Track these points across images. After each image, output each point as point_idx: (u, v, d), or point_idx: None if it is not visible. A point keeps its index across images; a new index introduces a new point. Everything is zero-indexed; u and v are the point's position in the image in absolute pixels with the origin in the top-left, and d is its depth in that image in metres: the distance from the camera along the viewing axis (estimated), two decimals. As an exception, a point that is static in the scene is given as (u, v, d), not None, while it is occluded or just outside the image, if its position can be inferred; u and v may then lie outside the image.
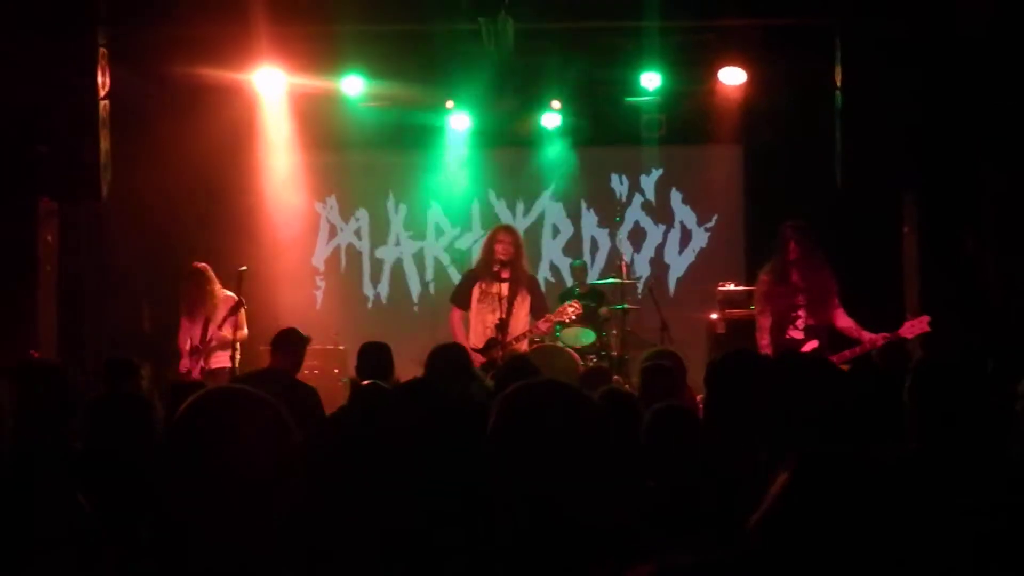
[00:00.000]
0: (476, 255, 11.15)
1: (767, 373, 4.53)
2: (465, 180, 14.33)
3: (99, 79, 9.74)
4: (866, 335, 8.69)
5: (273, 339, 8.47)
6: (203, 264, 10.39)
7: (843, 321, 8.91)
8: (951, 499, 3.67)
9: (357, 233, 14.68)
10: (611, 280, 12.48)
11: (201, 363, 10.12)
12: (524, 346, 9.82)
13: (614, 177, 14.48)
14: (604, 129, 13.58)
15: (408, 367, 7.71)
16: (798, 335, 8.92)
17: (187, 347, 10.26)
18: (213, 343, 10.15)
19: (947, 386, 4.15)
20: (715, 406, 4.53)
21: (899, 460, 3.85)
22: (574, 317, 10.29)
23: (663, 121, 13.17)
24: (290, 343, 8.33)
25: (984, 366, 4.87)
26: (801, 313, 8.92)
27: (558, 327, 10.94)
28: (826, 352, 8.58)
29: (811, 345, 8.81)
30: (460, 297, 10.14)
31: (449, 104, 13.39)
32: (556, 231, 14.59)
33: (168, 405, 5.95)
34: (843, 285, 9.28)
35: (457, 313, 10.09)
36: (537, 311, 9.88)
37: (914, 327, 8.60)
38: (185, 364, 10.22)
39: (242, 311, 10.22)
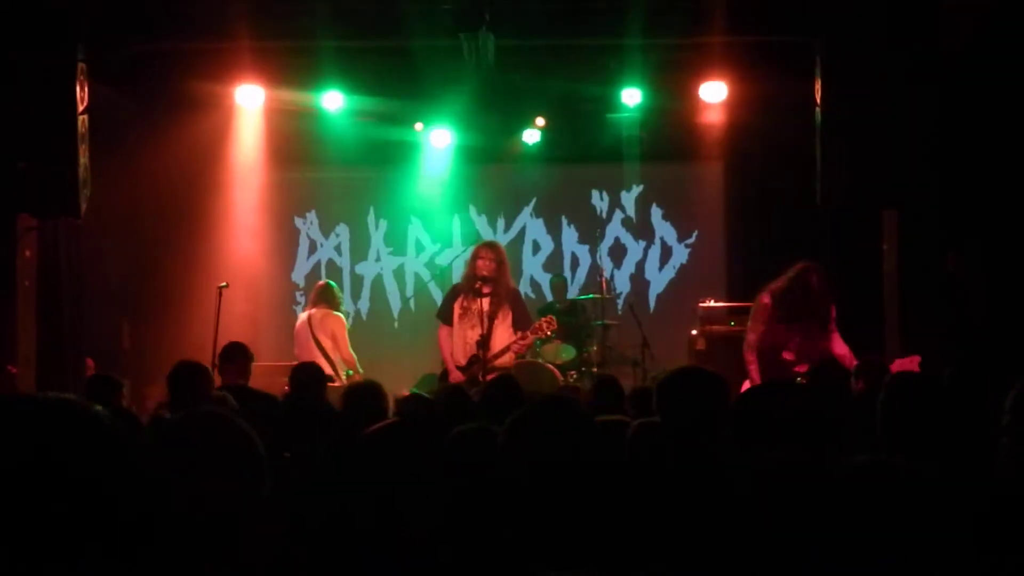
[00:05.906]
0: (457, 271, 11.09)
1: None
2: (446, 196, 14.31)
3: (78, 94, 9.69)
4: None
5: (222, 353, 8.21)
6: None
7: (839, 349, 8.82)
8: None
9: (337, 249, 14.63)
10: (591, 296, 12.48)
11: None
12: (508, 359, 9.75)
13: (594, 193, 14.48)
14: (585, 145, 13.57)
15: (387, 384, 7.63)
16: (790, 356, 8.85)
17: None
18: None
19: (916, 399, 4.16)
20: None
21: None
22: (550, 333, 10.18)
23: (644, 137, 13.19)
24: (240, 355, 8.12)
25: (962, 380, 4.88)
26: (796, 339, 8.88)
27: (538, 343, 10.91)
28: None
29: (801, 368, 8.62)
30: (444, 312, 10.12)
31: (418, 127, 13.42)
32: (537, 247, 14.58)
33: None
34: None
35: (444, 329, 10.05)
36: (519, 324, 9.82)
37: (903, 365, 8.34)
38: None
39: None
